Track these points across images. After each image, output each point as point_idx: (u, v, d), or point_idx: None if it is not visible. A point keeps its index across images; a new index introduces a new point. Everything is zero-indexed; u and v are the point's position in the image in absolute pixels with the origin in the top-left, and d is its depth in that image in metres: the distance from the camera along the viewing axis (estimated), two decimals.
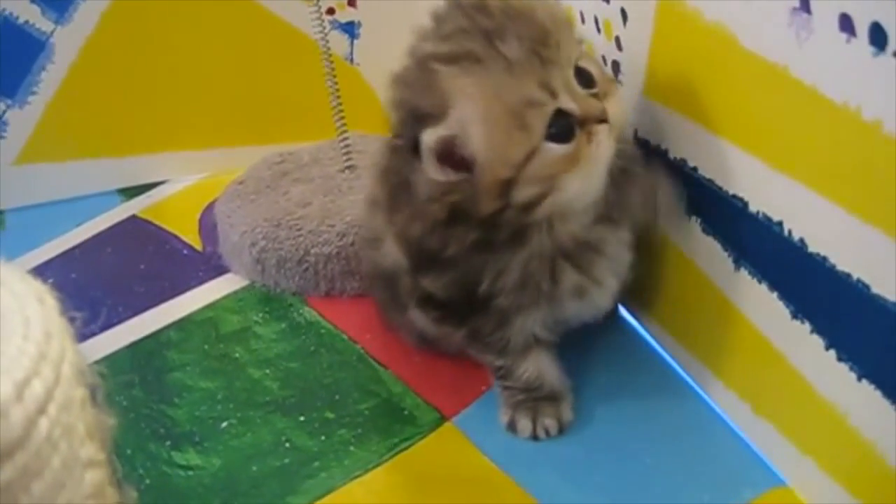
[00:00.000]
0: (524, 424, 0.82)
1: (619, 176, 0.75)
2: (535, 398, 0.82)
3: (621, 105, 0.73)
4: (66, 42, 1.20)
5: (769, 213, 0.70)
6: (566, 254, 0.77)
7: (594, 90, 0.72)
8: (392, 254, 0.80)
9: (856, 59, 0.57)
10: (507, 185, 0.70)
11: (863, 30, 0.56)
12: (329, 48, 1.09)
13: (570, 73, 0.70)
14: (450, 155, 0.69)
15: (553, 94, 0.69)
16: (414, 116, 0.71)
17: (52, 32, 1.19)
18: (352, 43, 1.28)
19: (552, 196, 0.71)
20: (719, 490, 0.75)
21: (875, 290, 0.61)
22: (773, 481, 0.75)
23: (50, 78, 1.21)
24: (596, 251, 0.78)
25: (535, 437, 0.82)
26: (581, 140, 0.70)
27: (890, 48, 0.55)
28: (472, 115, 0.69)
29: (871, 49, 0.56)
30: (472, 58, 0.69)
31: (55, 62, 1.21)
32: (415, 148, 0.70)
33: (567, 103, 0.70)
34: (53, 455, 0.52)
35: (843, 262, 0.63)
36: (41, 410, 0.52)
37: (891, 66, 0.55)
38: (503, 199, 0.71)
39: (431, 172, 0.70)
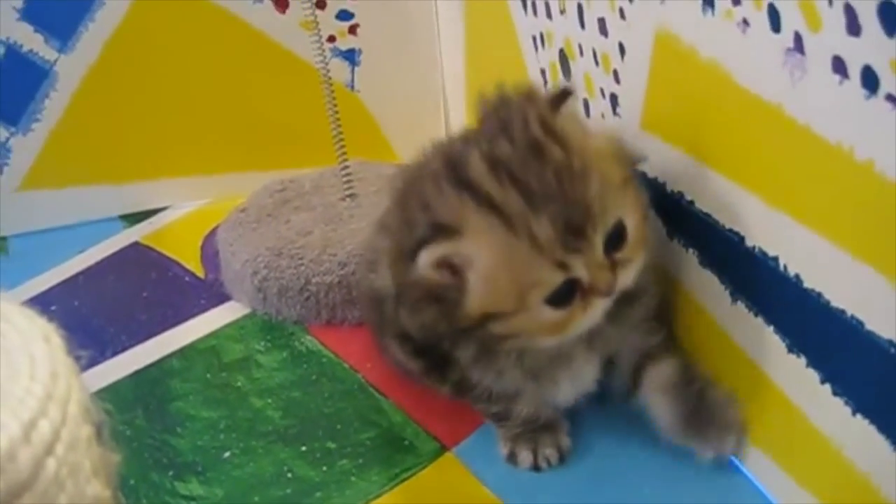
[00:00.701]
0: (525, 456, 0.82)
1: (619, 305, 0.73)
2: (532, 430, 0.83)
3: (633, 274, 0.71)
4: (70, 70, 1.21)
5: (765, 248, 0.71)
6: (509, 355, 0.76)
7: (620, 254, 0.69)
8: (384, 278, 0.79)
9: (848, 101, 0.58)
10: (490, 317, 0.69)
11: (855, 72, 0.57)
12: (329, 75, 1.10)
13: (600, 240, 0.67)
14: (447, 262, 0.68)
15: (567, 270, 0.67)
16: (424, 212, 0.69)
17: (55, 61, 1.20)
18: (352, 70, 1.29)
19: (527, 341, 0.71)
20: None
21: (869, 326, 0.62)
22: None
23: (53, 105, 1.22)
24: (550, 362, 0.77)
25: (536, 468, 0.82)
26: (576, 308, 0.69)
27: (882, 91, 0.56)
28: (476, 258, 0.67)
29: (864, 91, 0.57)
30: (499, 209, 0.66)
31: (58, 90, 1.22)
32: (414, 251, 0.68)
33: (579, 273, 0.67)
34: (60, 495, 0.53)
35: (838, 298, 0.64)
36: (49, 451, 0.52)
37: (882, 108, 0.56)
38: (481, 322, 0.70)
39: (423, 269, 0.68)
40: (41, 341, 0.58)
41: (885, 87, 0.55)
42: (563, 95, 0.70)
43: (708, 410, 0.79)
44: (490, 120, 0.70)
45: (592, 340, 0.76)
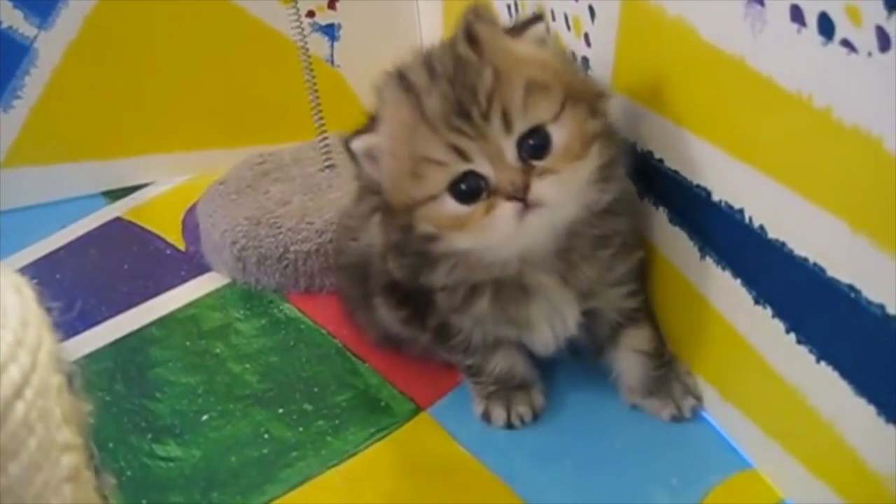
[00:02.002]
0: (498, 413, 0.84)
1: (593, 247, 0.75)
2: (506, 388, 0.84)
3: (562, 188, 0.69)
4: (50, 47, 1.22)
5: (731, 202, 0.72)
6: (483, 284, 0.76)
7: (541, 163, 0.69)
8: (370, 235, 0.79)
9: (806, 49, 0.59)
10: (409, 210, 0.71)
11: (812, 20, 0.58)
12: (308, 50, 1.11)
13: (510, 139, 0.68)
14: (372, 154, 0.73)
15: (464, 157, 0.68)
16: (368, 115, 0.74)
17: (35, 37, 1.21)
18: (332, 45, 1.29)
19: (444, 244, 0.71)
20: (687, 474, 0.76)
21: (830, 273, 0.63)
22: (740, 465, 0.77)
23: (34, 82, 1.23)
24: (525, 293, 0.77)
25: (509, 426, 0.83)
26: (479, 208, 0.69)
27: (837, 37, 0.56)
28: (386, 138, 0.71)
29: (820, 38, 0.58)
30: (411, 87, 0.70)
31: (39, 66, 1.22)
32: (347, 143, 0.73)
33: (482, 168, 0.68)
34: (30, 437, 0.53)
35: (801, 247, 0.65)
36: (18, 395, 0.53)
37: (838, 54, 0.57)
38: (406, 219, 0.71)
39: (363, 167, 0.73)
40: (12, 292, 0.58)
41: (841, 32, 0.56)
42: (531, 21, 0.74)
43: (671, 377, 0.82)
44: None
45: (566, 276, 0.76)
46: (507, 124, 0.68)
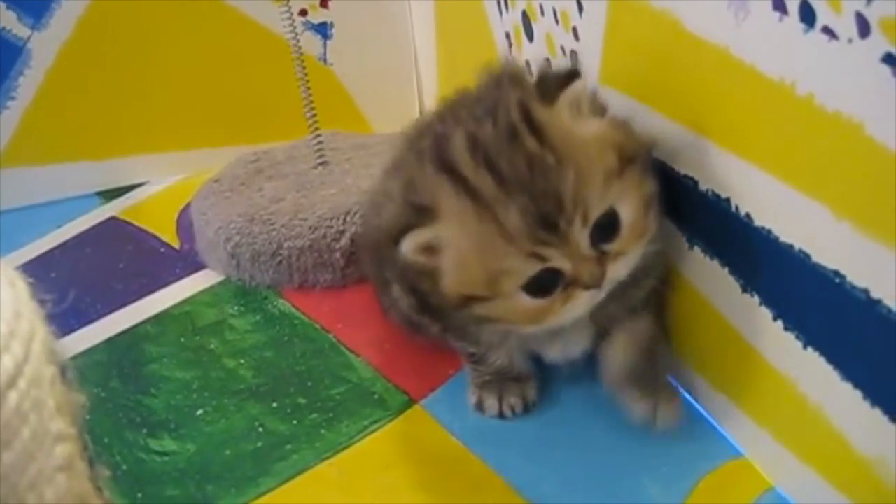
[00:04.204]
0: (490, 403, 0.84)
1: (624, 287, 0.72)
2: (501, 379, 0.84)
3: (627, 267, 0.69)
4: (44, 47, 1.22)
5: (718, 191, 0.72)
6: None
7: (612, 246, 0.67)
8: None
9: (789, 37, 0.60)
10: (469, 299, 0.69)
11: (794, 7, 0.59)
12: (300, 49, 1.12)
13: (582, 232, 0.65)
14: (427, 247, 0.68)
15: (543, 260, 0.65)
16: (409, 193, 0.69)
17: (28, 38, 1.21)
18: (324, 44, 1.30)
19: (509, 326, 0.71)
20: (678, 463, 0.77)
21: (815, 259, 0.63)
22: (730, 453, 0.78)
23: (28, 83, 1.23)
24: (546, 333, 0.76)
25: (501, 416, 0.84)
26: (558, 299, 0.68)
27: (818, 24, 0.57)
28: (449, 241, 0.67)
29: (802, 26, 0.59)
30: (473, 193, 0.65)
31: (33, 67, 1.23)
32: (397, 237, 0.68)
33: (559, 263, 0.66)
34: (23, 427, 0.54)
35: (786, 233, 0.66)
36: (11, 385, 0.53)
37: (819, 41, 0.57)
38: (463, 303, 0.69)
39: (406, 254, 0.69)
40: (6, 286, 0.59)
41: (822, 19, 0.57)
42: (568, 78, 0.68)
43: (658, 377, 0.80)
44: (485, 98, 0.69)
45: (593, 315, 0.74)
46: (586, 219, 0.65)
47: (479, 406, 0.85)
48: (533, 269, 0.66)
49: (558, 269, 0.66)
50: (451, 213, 0.66)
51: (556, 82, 0.68)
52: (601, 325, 0.78)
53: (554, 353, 0.82)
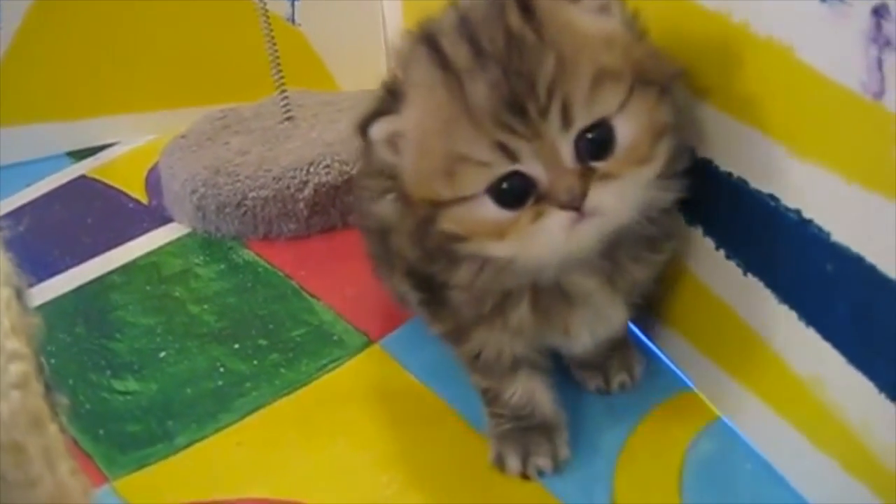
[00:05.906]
0: (513, 463, 0.73)
1: (644, 248, 0.67)
2: (524, 428, 0.73)
3: (623, 197, 0.60)
4: (11, 8, 1.22)
5: None
6: (519, 290, 0.67)
7: (601, 164, 0.59)
8: (384, 211, 0.70)
9: None
10: (433, 207, 0.61)
11: None
12: (266, 9, 1.12)
13: (568, 136, 0.57)
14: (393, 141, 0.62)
15: (512, 157, 0.57)
16: (387, 87, 0.64)
17: None
18: (293, 4, 1.31)
19: (473, 246, 0.62)
20: (628, 395, 0.79)
21: (753, 185, 0.65)
22: (679, 386, 0.80)
23: None
24: (567, 301, 0.68)
25: (524, 477, 0.73)
26: (525, 214, 0.59)
27: None
28: (414, 124, 0.61)
29: None
30: (450, 66, 0.59)
31: (1, 28, 1.23)
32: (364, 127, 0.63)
33: (531, 169, 0.58)
34: None
35: (725, 163, 0.68)
36: None
37: None
38: (429, 212, 0.62)
39: (378, 151, 0.63)
40: None
41: None
42: None
43: (614, 354, 0.79)
44: None
45: (613, 279, 0.68)
46: (567, 120, 0.57)
47: (500, 463, 0.73)
48: (499, 166, 0.58)
49: (530, 178, 0.58)
50: (419, 85, 0.60)
51: None
52: (628, 293, 0.70)
53: (580, 334, 0.71)
